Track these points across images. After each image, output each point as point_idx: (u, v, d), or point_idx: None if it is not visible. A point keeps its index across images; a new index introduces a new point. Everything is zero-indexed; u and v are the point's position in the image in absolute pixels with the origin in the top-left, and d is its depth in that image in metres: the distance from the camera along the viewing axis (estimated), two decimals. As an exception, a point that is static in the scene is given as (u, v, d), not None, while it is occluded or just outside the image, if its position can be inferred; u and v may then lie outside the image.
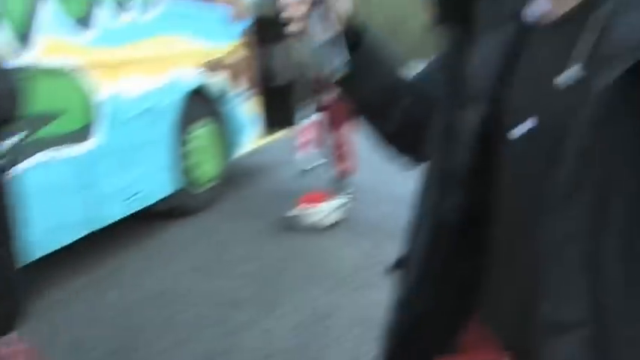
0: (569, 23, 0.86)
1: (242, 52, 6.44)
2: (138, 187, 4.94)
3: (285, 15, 1.04)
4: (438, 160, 1.00)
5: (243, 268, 4.47)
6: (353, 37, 1.09)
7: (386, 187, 5.90)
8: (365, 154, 4.96)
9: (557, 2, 0.89)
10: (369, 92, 1.12)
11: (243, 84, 6.49)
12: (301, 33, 1.04)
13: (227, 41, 6.25)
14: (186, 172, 5.65)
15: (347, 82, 1.11)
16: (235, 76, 6.35)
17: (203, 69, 5.82)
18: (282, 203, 5.60)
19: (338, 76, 1.06)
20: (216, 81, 6.04)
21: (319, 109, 5.90)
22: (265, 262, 4.57)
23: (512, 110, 0.90)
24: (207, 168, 5.99)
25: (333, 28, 1.02)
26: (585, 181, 0.77)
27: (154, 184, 5.18)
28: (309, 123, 6.12)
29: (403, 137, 1.15)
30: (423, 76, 1.15)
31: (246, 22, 6.48)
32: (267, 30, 6.53)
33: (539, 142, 0.86)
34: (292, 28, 1.04)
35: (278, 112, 6.72)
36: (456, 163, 0.96)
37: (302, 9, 1.02)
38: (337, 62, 1.02)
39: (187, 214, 5.66)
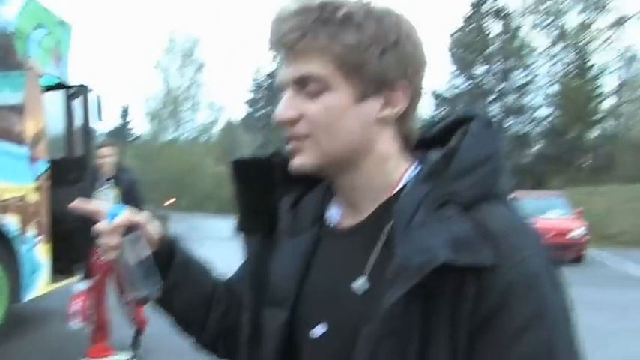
0: (360, 234, 0.93)
1: (37, 194, 6.24)
2: None
3: (99, 243, 1.03)
4: None
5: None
6: (166, 255, 1.09)
7: (172, 339, 5.81)
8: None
9: (346, 213, 0.97)
10: (185, 307, 1.12)
11: (37, 226, 6.23)
12: (115, 259, 1.03)
13: (22, 182, 6.04)
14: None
15: (162, 300, 1.10)
16: (29, 218, 6.08)
17: (-5, 208, 5.54)
18: (72, 351, 5.30)
19: (153, 296, 1.06)
20: (9, 222, 5.76)
21: (94, 271, 5.39)
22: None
23: (310, 313, 0.94)
24: (-7, 311, 5.51)
25: (146, 252, 1.03)
26: None
27: None
28: (83, 290, 5.56)
29: (220, 343, 1.14)
30: (235, 280, 1.15)
31: (44, 164, 6.36)
32: (63, 173, 6.47)
33: (332, 345, 0.90)
34: (107, 255, 1.04)
35: (68, 257, 6.46)
36: None
37: (115, 238, 1.02)
38: (151, 284, 1.03)
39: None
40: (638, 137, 35.20)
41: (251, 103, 50.04)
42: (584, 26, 35.63)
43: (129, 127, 48.34)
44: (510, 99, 33.86)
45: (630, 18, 36.04)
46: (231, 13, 79.21)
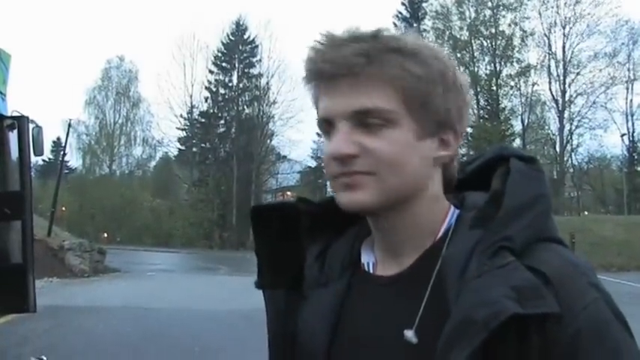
0: (403, 283, 0.84)
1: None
2: None
3: None
4: None
5: None
6: None
7: None
8: None
9: (383, 258, 0.88)
10: None
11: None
12: None
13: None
14: None
15: None
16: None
17: None
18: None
19: None
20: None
21: None
22: None
23: None
24: None
25: None
26: None
27: None
28: None
29: None
30: None
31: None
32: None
33: None
34: None
35: (10, 294, 5.83)
36: None
37: None
38: None
39: None
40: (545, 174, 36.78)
41: (184, 141, 49.27)
42: (494, 74, 37.31)
43: (63, 160, 46.46)
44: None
45: (534, 67, 37.96)
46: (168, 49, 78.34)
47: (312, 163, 47.67)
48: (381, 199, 0.81)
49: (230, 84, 48.02)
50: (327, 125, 0.83)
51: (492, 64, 38.00)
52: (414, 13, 40.62)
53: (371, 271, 0.89)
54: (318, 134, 50.74)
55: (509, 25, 37.83)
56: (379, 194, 0.81)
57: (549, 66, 38.72)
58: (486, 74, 37.71)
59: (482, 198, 0.84)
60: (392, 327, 0.81)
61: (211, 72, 47.72)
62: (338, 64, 0.79)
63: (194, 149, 48.49)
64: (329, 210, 0.88)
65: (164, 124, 55.82)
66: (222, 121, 48.35)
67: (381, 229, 0.87)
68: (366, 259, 0.90)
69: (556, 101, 38.68)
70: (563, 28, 38.44)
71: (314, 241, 0.94)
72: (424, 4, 40.51)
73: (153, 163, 52.56)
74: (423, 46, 0.82)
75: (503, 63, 37.83)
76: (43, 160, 45.63)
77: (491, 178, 0.85)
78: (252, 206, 0.97)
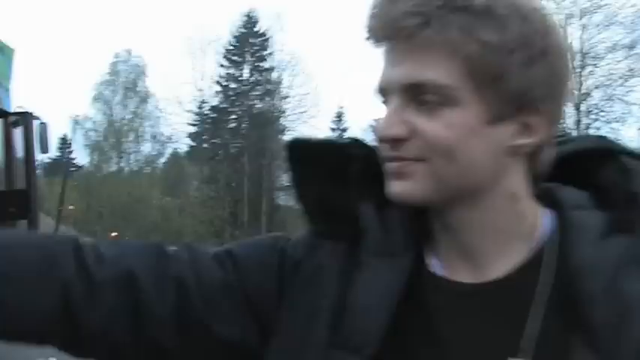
0: (495, 297, 0.72)
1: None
2: None
3: None
4: None
5: None
6: None
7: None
8: None
9: (456, 261, 0.74)
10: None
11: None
12: None
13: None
14: None
15: None
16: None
17: None
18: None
19: None
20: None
21: None
22: None
23: None
24: None
25: None
26: None
27: None
28: None
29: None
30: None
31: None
32: (3, 206, 5.92)
33: None
34: None
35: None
36: None
37: None
38: None
39: None
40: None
41: (194, 136, 49.42)
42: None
43: (70, 157, 46.74)
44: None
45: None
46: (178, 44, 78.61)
47: (325, 159, 47.49)
48: (433, 192, 0.70)
49: (241, 78, 48.06)
50: (383, 97, 0.72)
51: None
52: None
53: (441, 274, 0.75)
54: (332, 129, 50.72)
55: (527, 15, 37.66)
56: (431, 186, 0.69)
57: (568, 58, 38.49)
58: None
59: (583, 196, 0.74)
60: (489, 349, 0.69)
61: (222, 66, 47.81)
62: (388, 25, 0.68)
63: (204, 145, 48.62)
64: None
65: (173, 119, 56.11)
66: (234, 116, 48.45)
67: (448, 228, 0.74)
68: (431, 260, 0.76)
69: (572, 94, 38.41)
70: (581, 19, 38.15)
71: (365, 197, 0.77)
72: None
73: (162, 160, 52.82)
74: (504, 2, 0.68)
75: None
76: (50, 158, 45.94)
77: (575, 170, 0.76)
78: (289, 141, 0.85)
